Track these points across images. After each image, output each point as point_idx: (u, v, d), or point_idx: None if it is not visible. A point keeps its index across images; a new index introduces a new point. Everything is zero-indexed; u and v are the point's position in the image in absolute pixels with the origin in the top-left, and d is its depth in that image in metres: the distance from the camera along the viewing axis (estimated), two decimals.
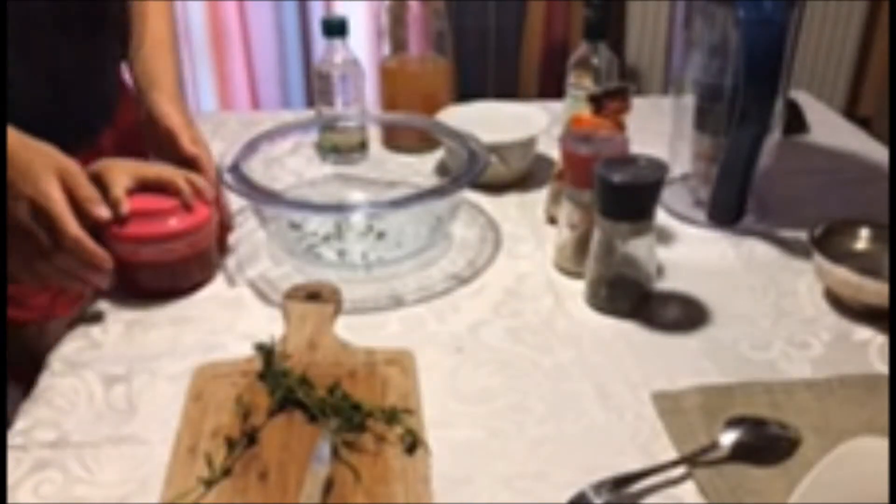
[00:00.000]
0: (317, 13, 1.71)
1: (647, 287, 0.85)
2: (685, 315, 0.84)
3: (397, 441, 0.67)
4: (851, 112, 2.01)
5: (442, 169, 1.14)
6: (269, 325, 0.82)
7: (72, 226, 0.75)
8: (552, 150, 1.07)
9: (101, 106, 1.04)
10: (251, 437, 0.67)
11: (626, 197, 0.80)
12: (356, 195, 1.09)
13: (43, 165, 0.76)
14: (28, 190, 0.74)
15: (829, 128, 1.29)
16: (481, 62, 1.85)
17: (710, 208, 0.99)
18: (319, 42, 1.41)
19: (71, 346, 0.80)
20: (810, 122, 1.28)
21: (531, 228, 1.01)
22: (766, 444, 0.66)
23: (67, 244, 0.75)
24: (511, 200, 1.07)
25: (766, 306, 0.86)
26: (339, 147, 1.14)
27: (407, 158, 1.18)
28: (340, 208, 0.99)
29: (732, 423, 0.68)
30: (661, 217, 0.97)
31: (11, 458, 0.66)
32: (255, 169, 0.95)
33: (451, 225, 0.98)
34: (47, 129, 0.91)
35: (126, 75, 1.08)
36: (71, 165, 0.77)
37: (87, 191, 0.78)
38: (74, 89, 0.96)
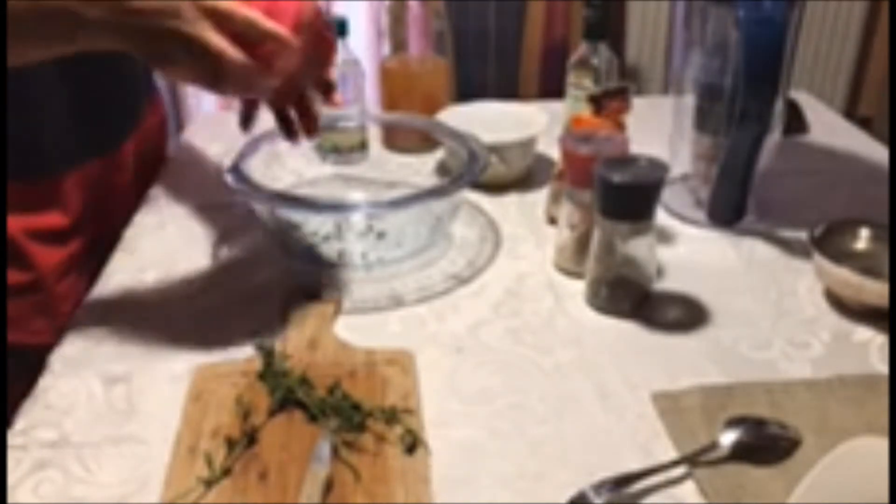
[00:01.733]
0: None
1: (647, 287, 0.85)
2: (685, 315, 0.84)
3: (397, 441, 0.67)
4: (851, 112, 2.01)
5: (442, 169, 1.14)
6: (269, 325, 0.82)
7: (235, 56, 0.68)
8: (552, 150, 1.07)
9: (127, 114, 1.04)
10: (251, 437, 0.67)
11: (626, 197, 0.80)
12: (356, 195, 1.09)
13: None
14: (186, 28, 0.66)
15: (829, 128, 1.29)
16: (481, 62, 1.85)
17: (710, 208, 0.99)
18: None
19: (71, 346, 0.80)
20: (810, 122, 1.28)
21: (531, 228, 1.01)
22: (766, 444, 0.66)
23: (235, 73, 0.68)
24: (511, 200, 1.07)
25: (766, 306, 0.86)
26: (339, 147, 1.15)
27: (407, 158, 1.18)
28: (340, 208, 0.99)
29: (732, 423, 0.68)
30: (661, 217, 0.97)
31: (11, 458, 0.66)
32: (255, 169, 0.95)
33: (451, 225, 0.98)
34: (71, 137, 0.92)
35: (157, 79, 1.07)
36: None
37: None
38: (102, 98, 0.95)
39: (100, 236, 0.96)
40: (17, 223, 0.86)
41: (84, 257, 0.94)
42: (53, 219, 0.90)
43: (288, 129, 0.85)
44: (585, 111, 0.97)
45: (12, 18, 0.64)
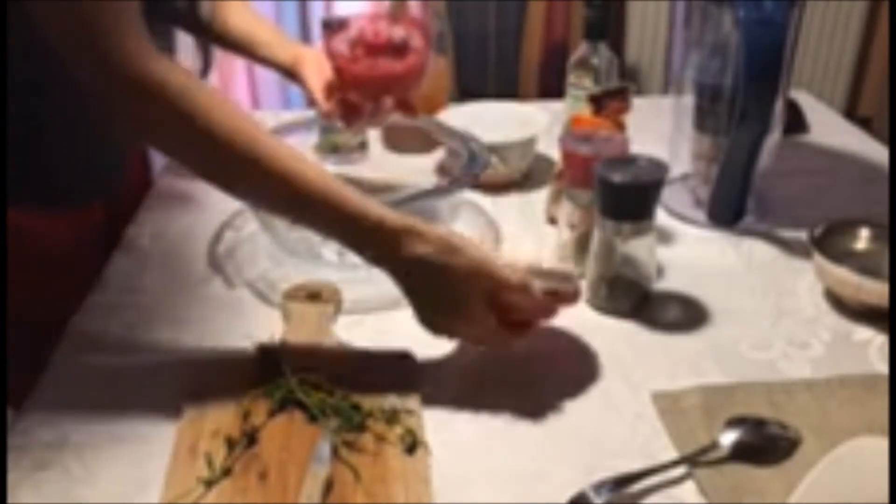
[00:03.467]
0: (317, 13, 1.71)
1: (647, 287, 0.85)
2: (685, 315, 0.84)
3: (397, 441, 0.67)
4: (851, 112, 2.01)
5: (442, 169, 1.14)
6: (269, 325, 0.82)
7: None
8: (552, 150, 1.07)
9: (116, 158, 1.05)
10: (251, 437, 0.67)
11: (626, 197, 0.80)
12: None
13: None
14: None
15: (829, 128, 1.29)
16: (481, 62, 1.84)
17: (710, 208, 0.99)
18: (319, 42, 1.42)
19: (71, 346, 0.80)
20: (810, 122, 1.28)
21: (531, 228, 1.01)
22: (766, 444, 0.66)
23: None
24: (511, 200, 1.07)
25: (766, 306, 0.86)
26: (339, 147, 1.14)
27: (407, 158, 1.18)
28: None
29: (732, 423, 0.68)
30: (661, 217, 0.97)
31: (11, 458, 0.66)
32: None
33: (451, 225, 0.98)
34: (113, 168, 0.98)
35: None
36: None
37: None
38: (94, 145, 0.97)
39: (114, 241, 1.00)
40: (58, 242, 0.91)
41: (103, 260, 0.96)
42: (86, 235, 0.96)
43: (350, 117, 0.93)
44: (585, 111, 0.97)
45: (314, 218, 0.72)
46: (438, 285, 0.71)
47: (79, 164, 0.92)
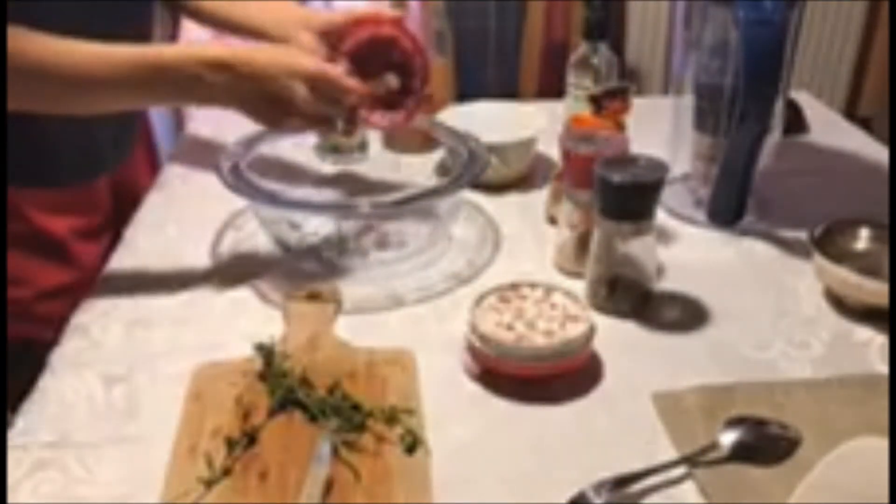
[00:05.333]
0: None
1: (647, 287, 0.85)
2: (686, 315, 0.84)
3: (397, 441, 0.67)
4: (851, 112, 2.01)
5: (442, 169, 1.14)
6: (269, 325, 0.82)
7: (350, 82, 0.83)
8: (552, 150, 1.07)
9: (139, 120, 1.08)
10: (251, 437, 0.67)
11: (626, 197, 0.80)
12: (356, 195, 1.08)
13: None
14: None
15: (829, 128, 1.29)
16: (481, 62, 1.85)
17: (710, 208, 0.99)
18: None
19: (71, 346, 0.80)
20: (810, 122, 1.28)
21: (531, 228, 1.01)
22: (766, 444, 0.66)
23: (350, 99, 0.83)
24: (511, 200, 1.07)
25: (766, 306, 0.86)
26: (339, 147, 1.14)
27: (407, 158, 1.18)
28: (340, 208, 0.99)
29: (732, 423, 0.68)
30: (661, 217, 0.97)
31: (11, 458, 0.66)
32: (255, 169, 0.95)
33: (451, 225, 0.98)
34: (112, 144, 1.00)
35: None
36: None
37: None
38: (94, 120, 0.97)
39: (122, 229, 1.01)
40: (63, 224, 0.92)
41: (111, 251, 0.97)
42: (92, 218, 0.97)
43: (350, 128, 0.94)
44: (585, 111, 0.97)
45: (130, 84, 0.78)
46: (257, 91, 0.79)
47: (78, 139, 0.93)
